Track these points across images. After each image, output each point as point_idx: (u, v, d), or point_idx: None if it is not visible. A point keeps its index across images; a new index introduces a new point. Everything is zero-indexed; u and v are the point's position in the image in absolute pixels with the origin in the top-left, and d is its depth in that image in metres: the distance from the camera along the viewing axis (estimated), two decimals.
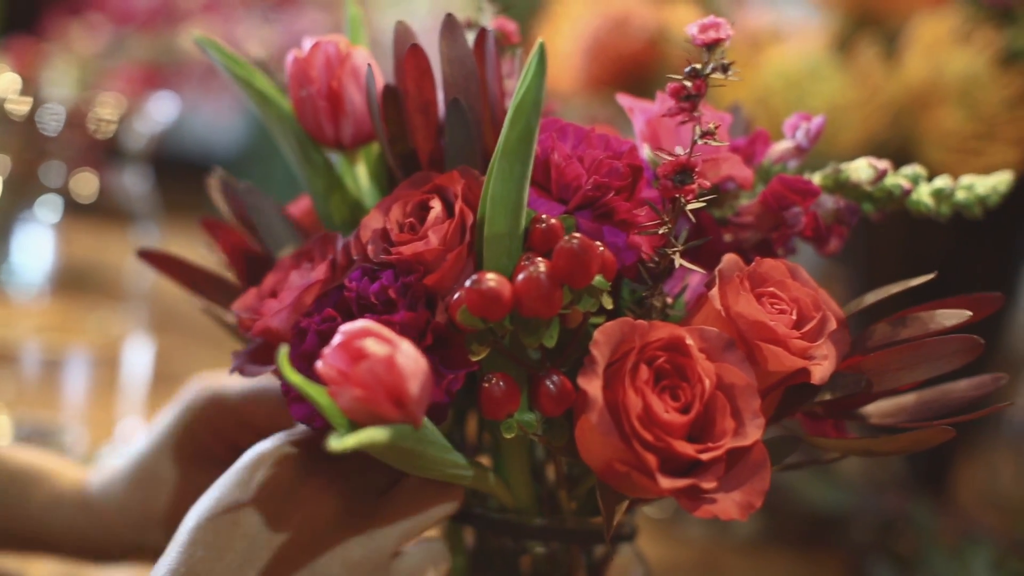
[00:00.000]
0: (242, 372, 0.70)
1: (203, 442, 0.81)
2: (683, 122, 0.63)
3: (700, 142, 0.63)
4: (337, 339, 0.58)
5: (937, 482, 1.32)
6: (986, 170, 1.06)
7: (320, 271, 0.69)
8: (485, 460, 0.73)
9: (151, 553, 0.83)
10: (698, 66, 0.63)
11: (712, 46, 0.62)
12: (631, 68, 1.17)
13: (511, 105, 0.62)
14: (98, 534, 0.84)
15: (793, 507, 1.25)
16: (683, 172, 0.63)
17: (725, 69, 0.63)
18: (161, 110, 1.29)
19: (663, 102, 0.65)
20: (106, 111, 1.25)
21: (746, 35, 1.14)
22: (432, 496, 0.66)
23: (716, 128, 0.63)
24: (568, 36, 1.26)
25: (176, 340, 1.49)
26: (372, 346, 0.57)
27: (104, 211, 1.27)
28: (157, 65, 1.66)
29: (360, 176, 0.76)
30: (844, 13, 1.18)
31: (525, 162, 0.63)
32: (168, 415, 0.83)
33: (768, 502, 1.25)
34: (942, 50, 1.10)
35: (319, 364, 0.58)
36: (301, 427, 0.68)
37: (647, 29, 1.18)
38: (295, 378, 0.57)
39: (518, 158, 0.63)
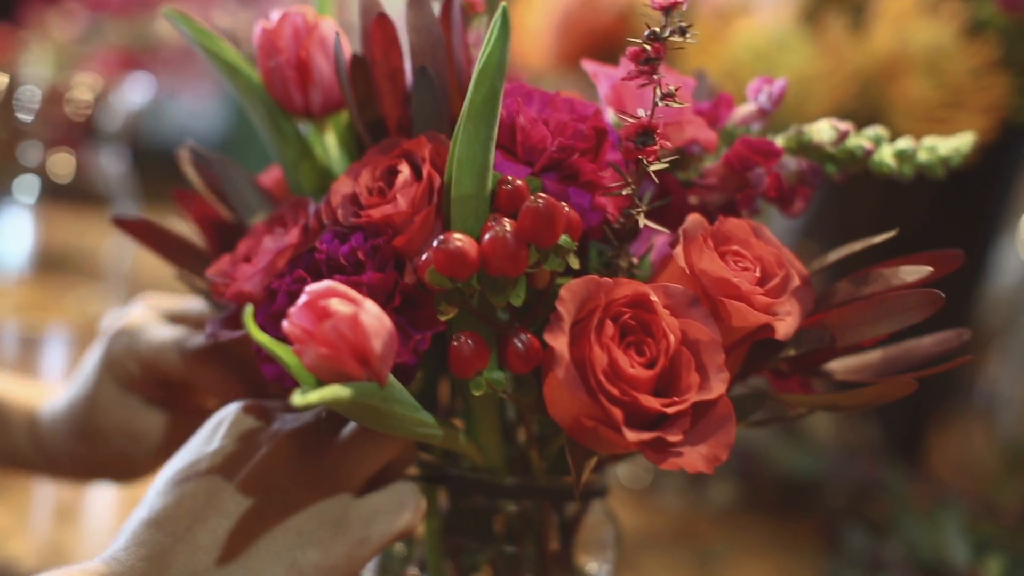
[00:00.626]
0: (215, 337, 0.71)
1: (130, 382, 0.83)
2: (643, 85, 0.64)
3: (661, 104, 0.64)
4: (302, 299, 0.59)
5: (911, 449, 1.33)
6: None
7: (293, 235, 0.70)
8: (458, 423, 0.74)
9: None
10: (657, 29, 0.64)
11: (670, 9, 0.63)
12: (602, 43, 1.18)
13: (476, 69, 0.63)
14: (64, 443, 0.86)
15: (768, 475, 1.26)
16: (645, 133, 0.64)
17: (683, 32, 0.64)
18: (137, 91, 1.30)
19: (625, 66, 0.66)
20: (83, 92, 1.25)
21: (715, 8, 1.15)
22: (383, 443, 0.67)
23: (676, 90, 0.64)
24: (540, 12, 1.27)
25: None
26: (336, 305, 0.58)
27: (82, 192, 1.28)
28: (133, 50, 1.66)
29: (329, 144, 0.76)
30: None
31: (490, 124, 0.64)
32: (90, 363, 0.85)
33: (743, 470, 1.27)
34: (909, 21, 1.11)
35: (285, 323, 0.59)
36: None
37: (617, 4, 1.19)
38: (261, 337, 0.58)
39: (483, 120, 0.64)
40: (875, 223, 1.06)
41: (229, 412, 0.68)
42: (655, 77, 0.64)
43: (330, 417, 0.68)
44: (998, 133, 1.14)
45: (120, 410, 0.83)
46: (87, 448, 0.85)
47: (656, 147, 0.64)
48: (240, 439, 0.66)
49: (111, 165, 1.30)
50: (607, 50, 1.14)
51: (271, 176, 0.79)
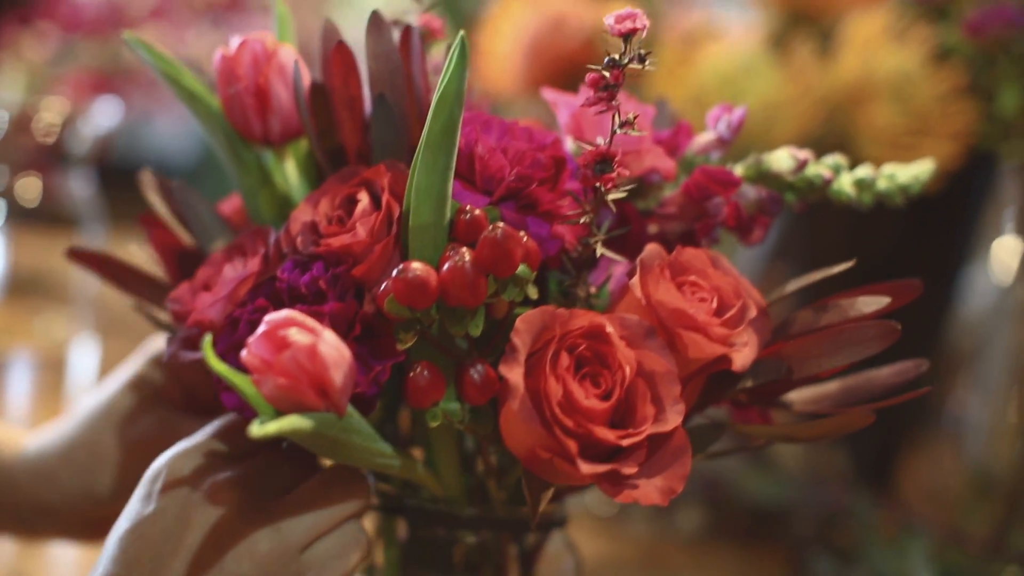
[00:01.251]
0: (175, 359, 0.70)
1: (159, 389, 0.82)
2: (602, 112, 0.64)
3: (619, 131, 0.64)
4: (261, 328, 0.59)
5: (880, 476, 1.33)
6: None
7: (254, 263, 0.69)
8: (418, 453, 0.73)
9: (96, 504, 0.83)
10: (616, 56, 0.64)
11: (629, 36, 0.63)
12: (570, 68, 1.18)
13: (434, 97, 0.63)
14: (38, 486, 0.84)
15: (736, 502, 1.26)
16: (603, 161, 0.64)
17: (642, 59, 0.63)
18: (106, 114, 1.30)
19: (584, 93, 0.66)
20: (50, 115, 1.25)
21: (682, 33, 1.15)
22: (339, 492, 0.66)
23: (635, 118, 0.64)
24: (508, 38, 1.26)
25: (122, 344, 1.48)
26: (295, 335, 0.58)
27: (50, 216, 1.27)
28: (107, 72, 1.66)
29: (289, 172, 0.76)
30: (779, 11, 1.19)
31: (449, 153, 0.64)
32: (129, 365, 0.84)
33: (711, 497, 1.27)
34: (876, 47, 1.11)
35: (243, 353, 0.59)
36: (203, 431, 0.69)
37: (584, 29, 1.19)
38: (219, 366, 0.57)
39: (442, 150, 0.63)
40: (846, 244, 1.07)
41: (164, 465, 0.66)
42: (613, 104, 0.64)
43: (270, 465, 0.67)
44: (968, 157, 1.14)
45: (134, 428, 0.82)
46: (92, 436, 0.82)
47: (614, 175, 0.64)
48: (179, 494, 0.65)
49: (79, 189, 1.29)
50: (575, 75, 1.13)
51: (231, 204, 0.79)
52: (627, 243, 0.71)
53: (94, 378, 1.30)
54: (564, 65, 1.18)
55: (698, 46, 1.11)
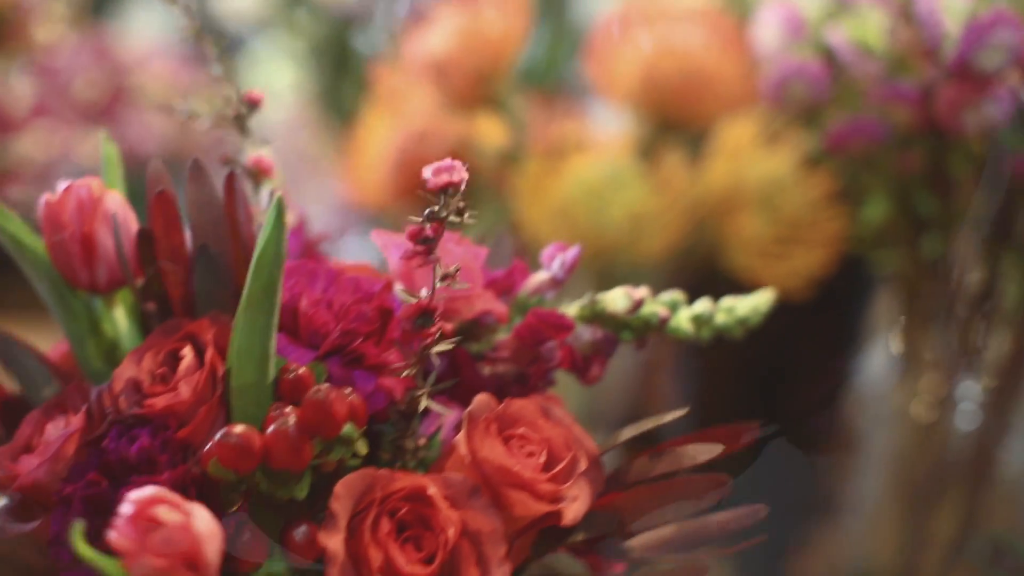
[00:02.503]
0: (3, 531, 0.68)
1: None
2: (420, 265, 0.63)
3: (440, 285, 0.63)
4: (128, 509, 0.57)
5: None
6: (791, 274, 1.08)
7: (77, 420, 0.67)
8: None
9: None
10: (435, 209, 0.63)
11: (446, 189, 0.62)
12: None
13: (253, 259, 0.62)
14: None
15: None
16: (423, 316, 0.63)
17: (461, 212, 0.62)
18: None
19: (403, 245, 0.65)
20: None
21: (547, 144, 1.15)
22: None
23: (456, 271, 0.63)
24: (375, 147, 1.26)
25: None
26: (165, 514, 0.56)
27: None
28: None
29: (119, 319, 0.74)
30: (648, 118, 1.19)
31: (270, 313, 0.63)
32: None
33: None
34: (746, 154, 1.11)
35: (111, 535, 0.57)
36: None
37: (449, 138, 1.18)
38: (89, 554, 0.55)
39: (262, 310, 0.62)
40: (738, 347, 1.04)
41: None
42: (432, 259, 0.63)
43: None
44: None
45: None
46: None
47: (435, 330, 0.63)
48: None
49: None
50: None
51: (59, 351, 0.77)
52: (460, 389, 0.70)
53: None
54: None
55: (565, 156, 1.11)
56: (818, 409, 1.32)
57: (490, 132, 1.17)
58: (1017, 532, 1.24)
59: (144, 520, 0.56)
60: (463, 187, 0.62)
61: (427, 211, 0.63)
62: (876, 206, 1.10)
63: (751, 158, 1.11)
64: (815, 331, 1.31)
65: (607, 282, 0.97)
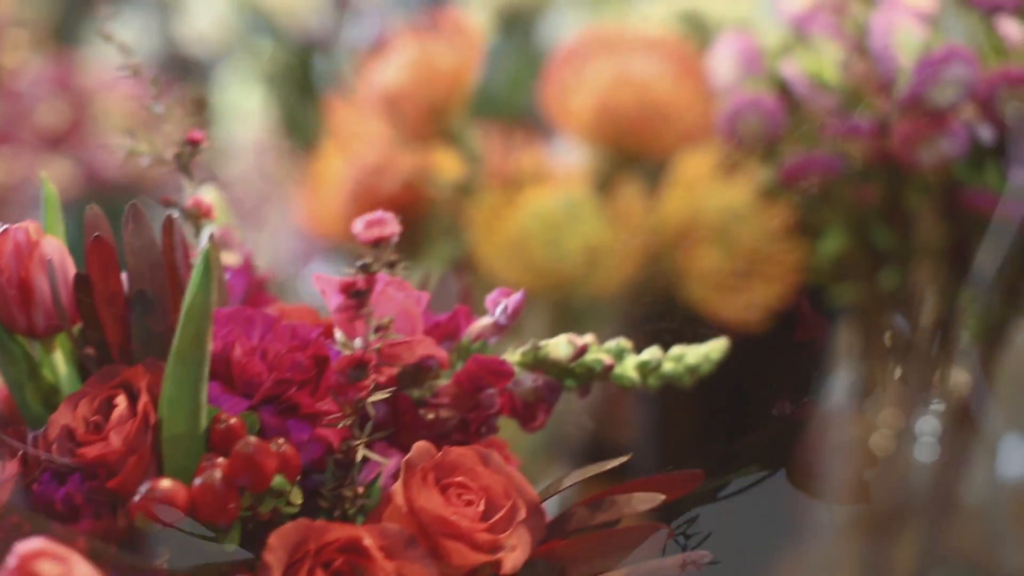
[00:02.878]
0: None
1: None
2: (352, 320, 0.62)
3: (373, 337, 0.62)
4: (12, 560, 0.56)
5: None
6: (749, 306, 1.08)
7: (12, 467, 0.67)
8: None
9: None
10: (368, 261, 0.62)
11: (378, 243, 0.62)
12: (393, 211, 1.16)
13: (182, 310, 0.62)
14: None
15: None
16: (357, 368, 0.63)
17: (392, 265, 0.62)
18: None
19: (335, 296, 0.64)
20: None
21: (503, 176, 1.14)
22: None
23: (389, 323, 0.62)
24: (331, 181, 1.25)
25: None
26: (47, 568, 0.56)
27: None
28: None
29: (58, 364, 0.73)
30: (605, 150, 1.18)
31: (200, 364, 0.62)
32: None
33: None
34: (703, 186, 1.11)
35: None
36: None
37: (403, 172, 1.18)
38: None
39: (192, 362, 0.62)
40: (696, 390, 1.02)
41: None
42: (365, 311, 0.62)
43: None
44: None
45: None
46: None
47: (369, 381, 0.63)
48: None
49: None
50: (399, 217, 1.12)
51: None
52: (400, 436, 0.69)
53: None
54: (386, 208, 1.17)
55: (521, 188, 1.10)
56: (780, 436, 1.32)
57: (445, 164, 1.17)
58: (979, 564, 1.23)
59: (26, 573, 0.56)
60: (394, 240, 0.62)
61: (359, 264, 0.63)
62: (833, 239, 1.09)
63: (708, 190, 1.11)
64: (778, 357, 1.30)
65: (564, 314, 0.97)
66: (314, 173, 1.30)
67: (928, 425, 1.16)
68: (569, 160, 1.25)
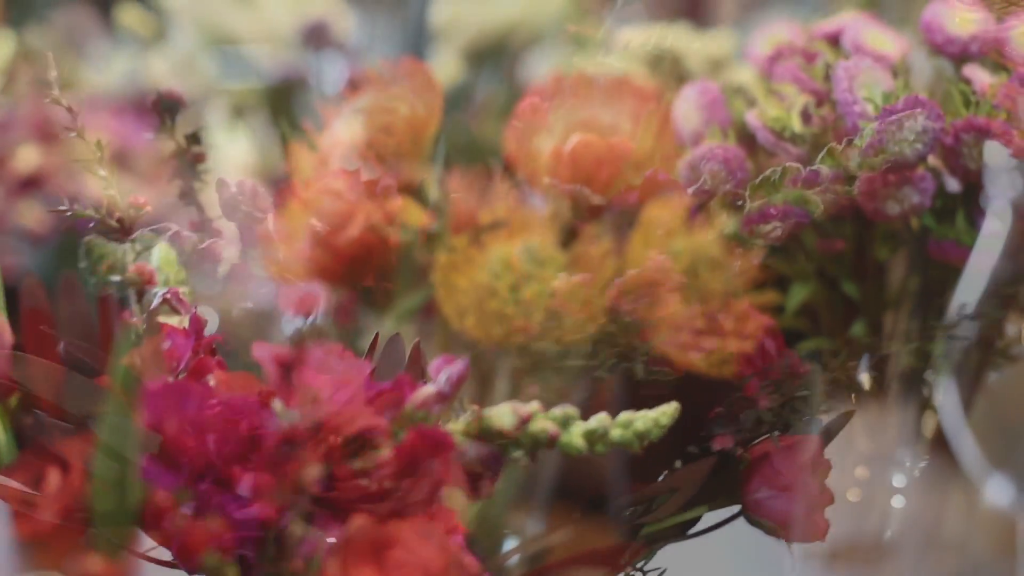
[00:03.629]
0: None
1: None
2: (285, 394, 0.61)
3: (305, 413, 0.61)
4: None
5: None
6: (716, 354, 1.07)
7: None
8: None
9: None
10: (299, 331, 0.62)
11: (308, 315, 0.61)
12: (354, 254, 1.15)
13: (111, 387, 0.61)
14: None
15: None
16: (290, 443, 0.62)
17: (321, 335, 0.61)
18: None
19: (270, 367, 0.63)
20: None
21: (468, 221, 1.13)
22: None
23: (316, 397, 0.62)
24: (293, 229, 1.24)
25: None
26: None
27: None
28: None
29: None
30: (569, 197, 1.17)
31: (127, 438, 0.62)
32: None
33: None
34: (669, 234, 1.09)
35: None
36: None
37: (366, 221, 1.16)
38: None
39: (120, 437, 0.62)
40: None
41: None
42: (297, 385, 0.61)
43: None
44: None
45: None
46: None
47: (304, 455, 0.62)
48: None
49: None
50: (363, 261, 1.10)
51: None
52: (340, 508, 0.68)
53: None
54: (348, 251, 1.15)
55: (486, 235, 1.09)
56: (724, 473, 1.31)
57: (409, 212, 1.15)
58: None
59: None
60: (320, 315, 0.61)
61: (292, 334, 0.62)
62: (801, 289, 1.08)
63: (675, 238, 1.09)
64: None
65: (530, 359, 0.95)
66: (278, 219, 1.28)
67: (903, 472, 1.15)
68: (539, 206, 1.23)
